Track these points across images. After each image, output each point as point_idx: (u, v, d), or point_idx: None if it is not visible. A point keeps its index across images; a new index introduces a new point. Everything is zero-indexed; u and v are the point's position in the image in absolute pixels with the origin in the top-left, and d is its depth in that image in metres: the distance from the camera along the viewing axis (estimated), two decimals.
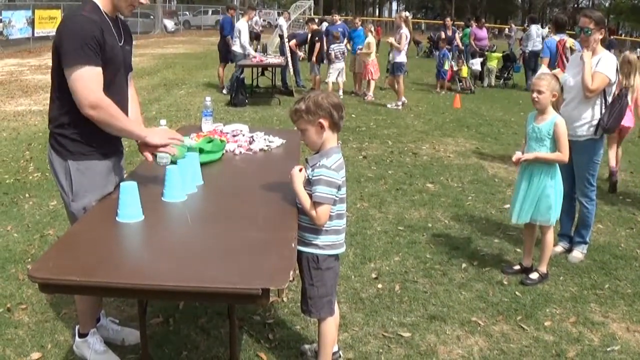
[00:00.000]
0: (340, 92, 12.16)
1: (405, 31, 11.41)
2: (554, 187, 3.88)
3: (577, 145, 4.24)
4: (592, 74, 4.14)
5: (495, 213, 5.40)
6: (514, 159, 3.93)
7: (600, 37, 4.22)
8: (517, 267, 4.18)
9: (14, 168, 6.43)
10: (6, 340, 3.16)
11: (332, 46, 12.13)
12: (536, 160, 3.87)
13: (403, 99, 11.48)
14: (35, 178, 6.05)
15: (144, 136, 2.67)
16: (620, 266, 4.33)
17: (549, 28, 18.87)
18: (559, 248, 4.57)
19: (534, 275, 4.03)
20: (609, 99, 4.23)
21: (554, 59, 7.25)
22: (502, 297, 3.81)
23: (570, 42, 7.26)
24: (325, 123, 2.54)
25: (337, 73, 12.18)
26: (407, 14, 12.47)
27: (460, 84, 12.02)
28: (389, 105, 11.40)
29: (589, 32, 4.17)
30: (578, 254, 4.43)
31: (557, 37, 7.58)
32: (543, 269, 4.05)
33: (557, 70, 3.97)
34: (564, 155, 3.83)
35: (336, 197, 2.61)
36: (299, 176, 2.63)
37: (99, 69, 2.52)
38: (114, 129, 2.61)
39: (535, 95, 3.81)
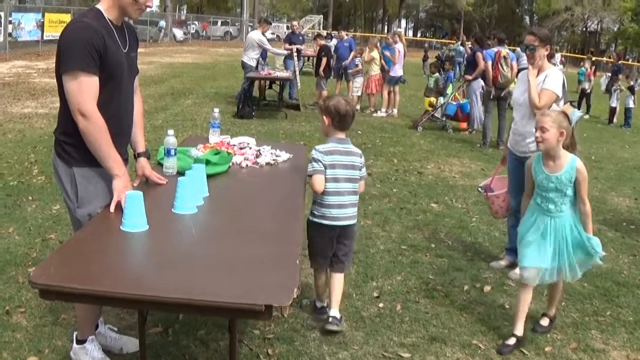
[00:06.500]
0: (358, 107, 12.56)
1: (399, 46, 12.29)
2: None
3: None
4: (539, 91, 4.25)
5: (498, 236, 5.37)
6: None
7: (546, 53, 4.33)
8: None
9: (18, 170, 6.44)
10: (3, 343, 3.14)
11: (356, 60, 12.63)
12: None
13: (394, 110, 12.43)
14: (39, 181, 6.05)
15: (115, 174, 2.61)
16: (622, 293, 4.31)
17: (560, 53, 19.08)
18: (504, 262, 4.61)
19: (544, 322, 3.75)
20: None
21: (494, 66, 9.28)
22: (504, 320, 3.78)
23: (504, 52, 9.29)
24: (327, 120, 3.31)
25: (360, 87, 12.66)
26: (399, 30, 13.72)
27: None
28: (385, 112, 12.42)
29: (533, 49, 4.31)
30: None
31: (495, 49, 9.51)
32: (552, 312, 3.78)
33: (566, 106, 3.85)
34: (589, 206, 3.32)
35: (321, 171, 3.23)
36: None
37: (96, 78, 2.52)
38: (93, 146, 2.57)
39: (538, 134, 3.23)
